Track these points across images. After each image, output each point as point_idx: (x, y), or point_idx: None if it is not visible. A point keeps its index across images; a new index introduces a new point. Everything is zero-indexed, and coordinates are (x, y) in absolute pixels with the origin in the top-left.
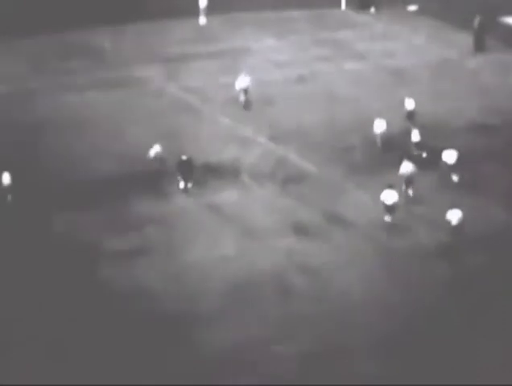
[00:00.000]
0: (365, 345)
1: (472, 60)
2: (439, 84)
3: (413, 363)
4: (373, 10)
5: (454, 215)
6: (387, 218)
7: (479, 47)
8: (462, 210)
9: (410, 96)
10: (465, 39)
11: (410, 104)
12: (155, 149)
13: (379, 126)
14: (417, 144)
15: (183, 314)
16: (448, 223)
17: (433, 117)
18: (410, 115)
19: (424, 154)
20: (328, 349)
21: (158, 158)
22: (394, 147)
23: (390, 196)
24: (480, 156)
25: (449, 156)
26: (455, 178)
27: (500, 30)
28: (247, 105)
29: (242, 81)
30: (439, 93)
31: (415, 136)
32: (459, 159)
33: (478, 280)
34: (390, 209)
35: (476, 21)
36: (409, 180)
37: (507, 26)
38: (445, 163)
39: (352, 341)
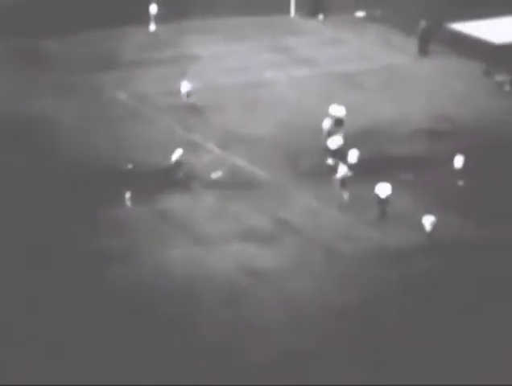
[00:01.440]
0: (318, 349)
1: (417, 65)
2: (386, 89)
3: (365, 366)
4: (321, 16)
5: (427, 220)
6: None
7: (423, 51)
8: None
9: (351, 101)
10: (412, 45)
11: (337, 110)
12: (177, 154)
13: (326, 125)
14: (334, 151)
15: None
16: (423, 227)
17: (381, 122)
18: (338, 122)
19: (330, 161)
20: (280, 354)
21: (179, 163)
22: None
23: (383, 189)
24: (425, 162)
25: (352, 155)
26: (349, 173)
27: (445, 36)
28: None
29: (185, 86)
30: (384, 98)
31: (332, 143)
32: (405, 164)
33: (426, 284)
34: (383, 202)
35: (421, 26)
36: (343, 183)
37: (452, 32)
38: (347, 162)
39: (303, 345)
